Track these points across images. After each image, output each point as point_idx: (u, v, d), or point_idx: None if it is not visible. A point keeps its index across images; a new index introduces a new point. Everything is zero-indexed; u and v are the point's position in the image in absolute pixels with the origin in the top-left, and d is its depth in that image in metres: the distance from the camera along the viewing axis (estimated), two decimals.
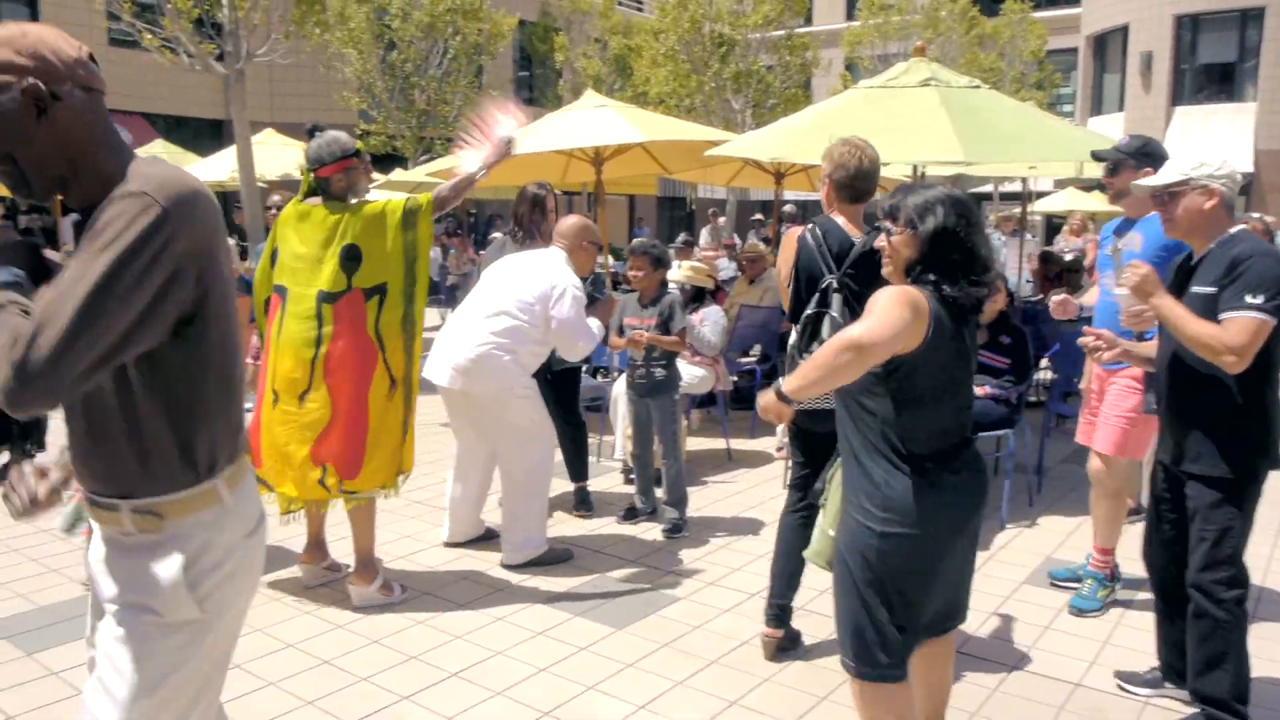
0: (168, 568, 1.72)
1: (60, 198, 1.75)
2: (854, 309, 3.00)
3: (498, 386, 4.28)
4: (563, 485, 5.44)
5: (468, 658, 3.60)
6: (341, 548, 4.44)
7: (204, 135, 18.97)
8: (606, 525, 5.15)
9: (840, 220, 3.41)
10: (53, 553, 4.60)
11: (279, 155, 11.70)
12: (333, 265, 3.73)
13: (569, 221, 4.61)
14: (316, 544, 4.28)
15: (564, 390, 5.29)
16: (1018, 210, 12.69)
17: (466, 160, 4.20)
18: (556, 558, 4.57)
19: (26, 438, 2.49)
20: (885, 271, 2.51)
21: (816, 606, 4.00)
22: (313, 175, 3.81)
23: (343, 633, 3.81)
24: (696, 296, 6.38)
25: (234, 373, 1.78)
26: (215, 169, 11.81)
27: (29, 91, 1.60)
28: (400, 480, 4.02)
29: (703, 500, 5.59)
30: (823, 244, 3.34)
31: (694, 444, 6.67)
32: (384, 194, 4.48)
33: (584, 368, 6.42)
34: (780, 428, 6.69)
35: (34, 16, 17.02)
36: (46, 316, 1.50)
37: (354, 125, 17.77)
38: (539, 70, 25.51)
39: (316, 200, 3.82)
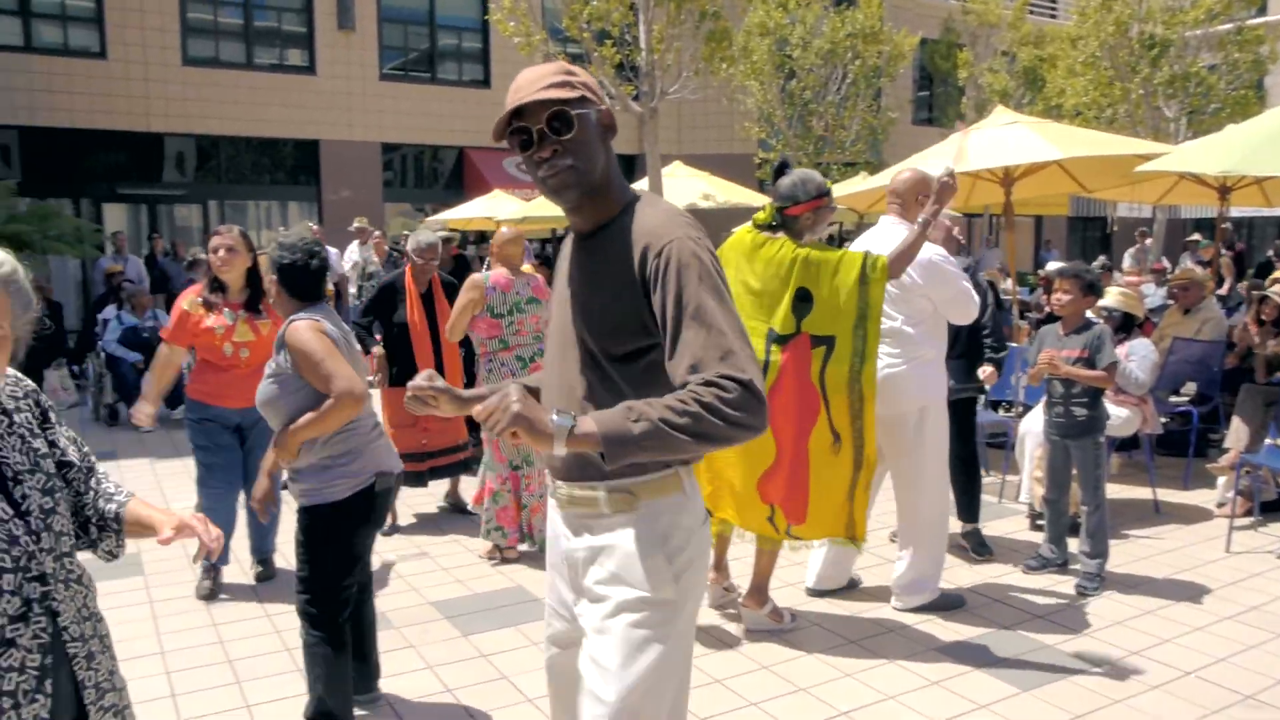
0: (648, 544, 1.87)
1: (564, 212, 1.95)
2: None
3: (917, 402, 4.12)
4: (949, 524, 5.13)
5: (857, 698, 3.49)
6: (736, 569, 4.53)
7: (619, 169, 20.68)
8: (1008, 574, 4.78)
9: None
10: (487, 545, 5.18)
11: (686, 186, 12.38)
12: (786, 306, 3.69)
13: (902, 176, 4.29)
14: (718, 565, 4.33)
15: (959, 420, 5.01)
16: None
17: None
18: (949, 604, 4.32)
19: None
20: None
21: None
22: (778, 211, 3.78)
23: (734, 654, 3.87)
24: (1123, 326, 5.75)
25: None
26: None
27: (605, 115, 1.88)
28: (852, 543, 3.93)
29: (1124, 556, 4.99)
30: None
31: (1114, 491, 5.98)
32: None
33: (981, 399, 6.03)
34: (1221, 480, 5.81)
35: (486, 74, 19.60)
36: (713, 351, 1.70)
37: (753, 154, 18.35)
38: (939, 89, 24.70)
39: (777, 234, 3.77)
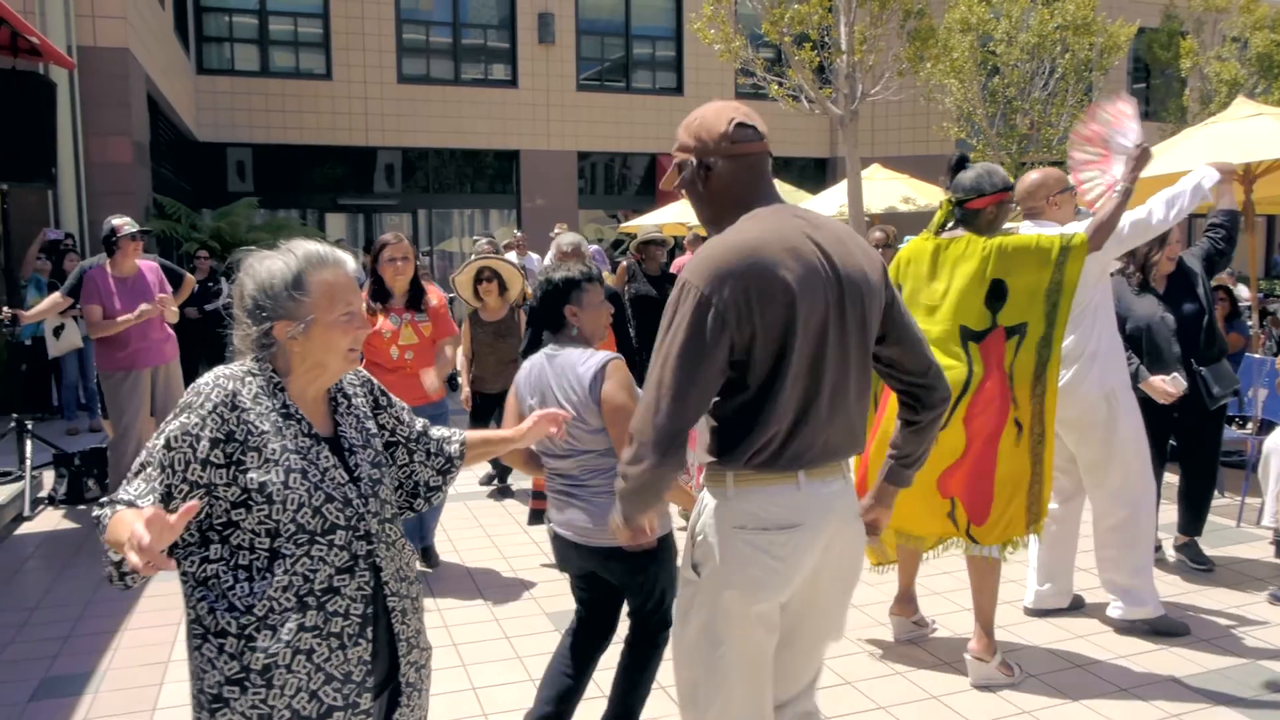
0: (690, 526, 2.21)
1: None
2: None
3: (1100, 390, 3.93)
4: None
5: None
6: (929, 605, 4.40)
7: (809, 173, 20.45)
8: (1252, 603, 4.42)
9: None
10: None
11: (885, 189, 12.13)
12: (979, 301, 3.50)
13: (1029, 180, 4.03)
14: (907, 596, 4.07)
15: (1210, 428, 4.78)
16: None
17: (1094, 178, 3.99)
18: (1173, 629, 4.05)
19: None
20: None
21: None
22: (958, 206, 3.62)
23: (938, 706, 3.50)
24: None
25: None
26: (823, 204, 12.64)
27: (696, 164, 2.12)
28: (1032, 529, 3.62)
29: None
30: None
31: None
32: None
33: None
34: None
35: (679, 82, 19.87)
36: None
37: (950, 155, 17.72)
38: (1157, 81, 23.06)
39: (956, 232, 3.62)
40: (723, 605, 2.07)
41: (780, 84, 11.38)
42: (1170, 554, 5.00)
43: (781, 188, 15.09)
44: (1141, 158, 3.78)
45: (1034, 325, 3.50)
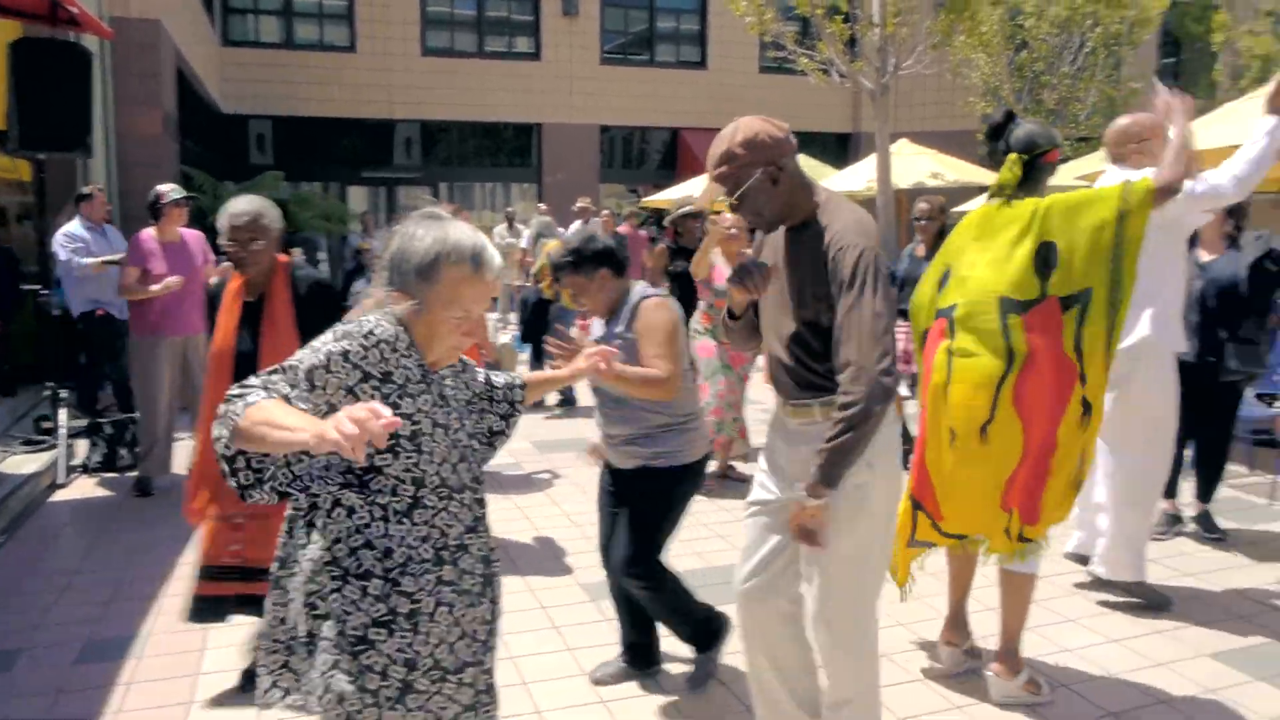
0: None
1: None
2: None
3: (1155, 337, 3.86)
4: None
5: (1123, 699, 3.34)
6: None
7: (830, 148, 20.29)
8: (1274, 578, 4.41)
9: None
10: (722, 520, 5.28)
11: (913, 164, 12.04)
12: (1023, 266, 3.05)
13: (1118, 127, 4.00)
14: (958, 620, 3.56)
15: (1225, 402, 4.87)
16: None
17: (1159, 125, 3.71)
18: (1156, 601, 4.07)
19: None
20: None
21: None
22: (1036, 158, 3.22)
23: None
24: None
25: None
26: (851, 180, 12.56)
27: (769, 169, 2.44)
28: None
29: None
30: None
31: None
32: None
33: (1249, 392, 5.56)
34: None
35: (703, 55, 19.71)
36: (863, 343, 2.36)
37: (975, 130, 17.55)
38: (1187, 56, 22.71)
39: (1009, 200, 3.21)
40: (896, 487, 2.60)
41: (810, 58, 11.28)
42: (1189, 525, 5.05)
43: (805, 163, 15.04)
44: (1183, 108, 3.39)
45: (1098, 290, 3.04)
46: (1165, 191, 3.17)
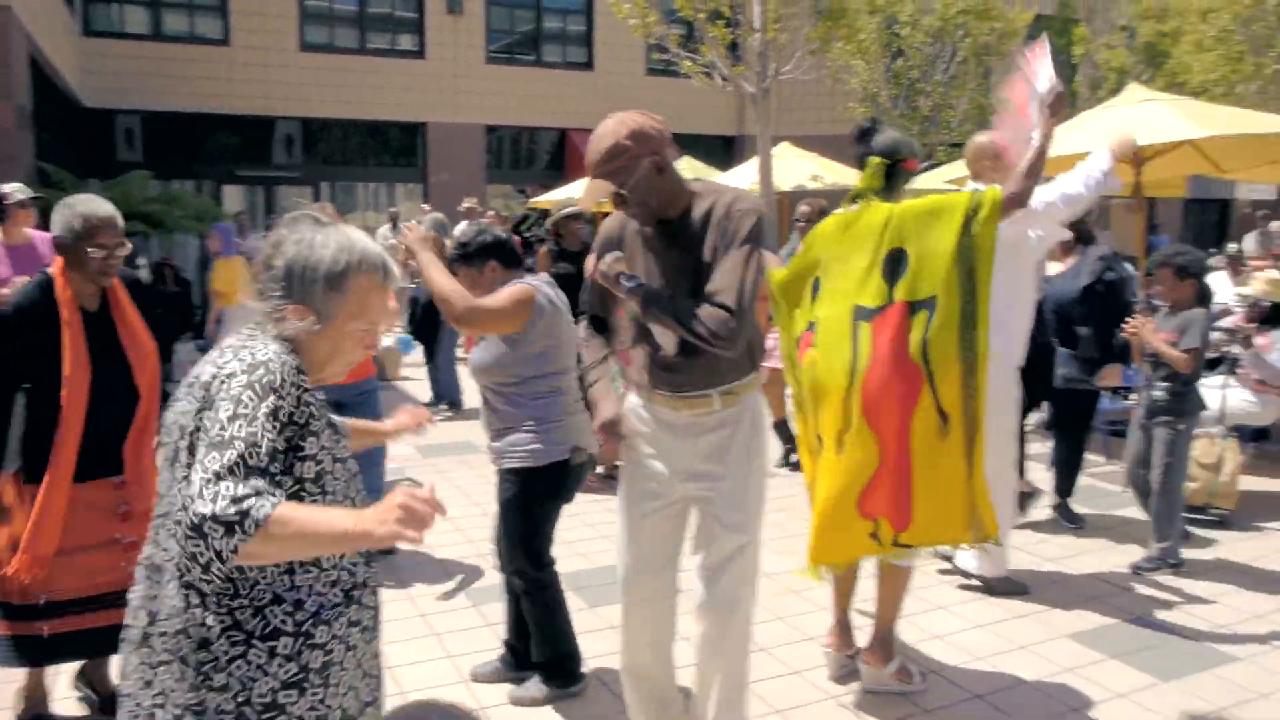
0: (759, 429, 2.78)
1: None
2: None
3: (999, 352, 3.84)
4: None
5: (989, 682, 3.48)
6: None
7: (715, 151, 20.54)
8: (1127, 561, 4.66)
9: None
10: (607, 520, 5.28)
11: (794, 167, 12.29)
12: (876, 274, 3.03)
13: (975, 144, 4.20)
14: (843, 626, 3.58)
15: (1080, 408, 5.21)
16: None
17: (1008, 133, 3.76)
18: (1012, 589, 4.29)
19: None
20: None
21: None
22: (894, 165, 3.23)
23: (813, 646, 3.70)
24: (1272, 316, 5.48)
25: None
26: (734, 181, 12.71)
27: (654, 161, 2.53)
28: (979, 541, 3.14)
29: (1260, 549, 4.83)
30: None
31: (1246, 483, 5.78)
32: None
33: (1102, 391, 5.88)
34: None
35: (590, 56, 19.73)
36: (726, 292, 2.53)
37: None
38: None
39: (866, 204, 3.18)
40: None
41: (693, 61, 11.41)
42: (1048, 513, 5.32)
43: (690, 165, 15.21)
44: (1056, 103, 3.43)
45: (946, 298, 2.99)
46: (1013, 201, 3.21)
